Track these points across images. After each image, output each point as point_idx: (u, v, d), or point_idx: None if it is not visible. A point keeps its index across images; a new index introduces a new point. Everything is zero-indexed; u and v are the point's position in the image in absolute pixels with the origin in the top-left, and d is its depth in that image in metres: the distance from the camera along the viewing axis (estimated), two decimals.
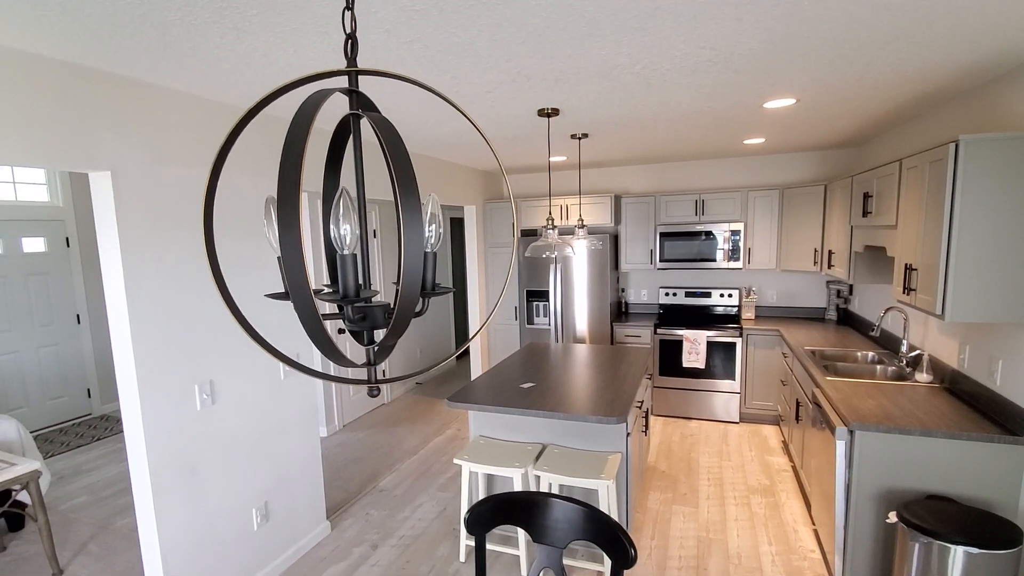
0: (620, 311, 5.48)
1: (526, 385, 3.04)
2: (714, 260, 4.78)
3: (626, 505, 2.85)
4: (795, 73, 2.26)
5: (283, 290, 0.70)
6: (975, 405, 2.47)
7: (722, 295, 5.07)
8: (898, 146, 3.56)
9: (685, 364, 4.69)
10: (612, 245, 5.08)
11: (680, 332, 4.71)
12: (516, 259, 5.29)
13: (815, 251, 4.38)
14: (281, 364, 2.79)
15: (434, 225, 0.75)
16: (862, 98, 2.74)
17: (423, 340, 6.23)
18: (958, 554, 1.95)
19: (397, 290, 0.67)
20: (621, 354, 3.71)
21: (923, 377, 2.87)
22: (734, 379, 4.62)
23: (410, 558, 2.90)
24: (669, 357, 4.78)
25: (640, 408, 3.14)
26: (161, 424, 2.19)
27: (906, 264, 2.54)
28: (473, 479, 3.12)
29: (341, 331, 4.67)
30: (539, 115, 2.79)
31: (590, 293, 4.92)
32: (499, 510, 1.53)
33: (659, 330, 4.79)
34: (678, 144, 4.07)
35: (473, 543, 2.83)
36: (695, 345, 4.64)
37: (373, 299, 0.77)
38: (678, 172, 5.19)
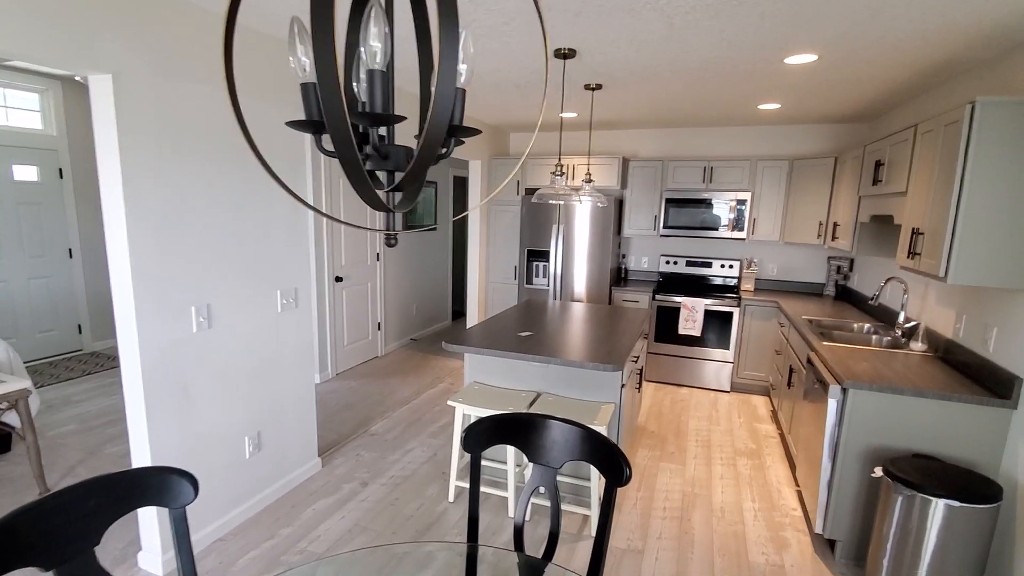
0: (620, 276, 5.47)
1: (524, 334, 3.04)
2: (717, 229, 4.76)
3: None
4: (821, 22, 2.20)
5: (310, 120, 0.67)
6: (966, 372, 2.49)
7: (723, 266, 5.06)
8: (911, 120, 3.52)
9: (681, 331, 4.71)
10: (616, 209, 5.04)
11: (678, 299, 4.71)
12: (520, 215, 5.24)
13: (820, 224, 4.37)
14: (279, 296, 2.77)
15: (467, 64, 0.71)
16: (883, 60, 2.68)
17: (419, 297, 6.21)
18: (939, 507, 1.99)
19: (423, 129, 0.65)
20: (620, 312, 3.71)
21: (918, 346, 2.89)
22: (728, 349, 4.65)
23: (399, 496, 2.93)
24: (665, 324, 4.80)
25: (635, 364, 3.16)
26: (156, 341, 2.17)
27: (913, 228, 2.53)
28: (466, 421, 3.14)
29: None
30: (555, 56, 2.72)
31: (591, 256, 4.90)
32: (496, 429, 1.54)
33: (657, 296, 4.79)
34: (692, 104, 4.00)
35: (464, 483, 2.87)
36: (693, 313, 4.66)
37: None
38: (688, 138, 5.12)
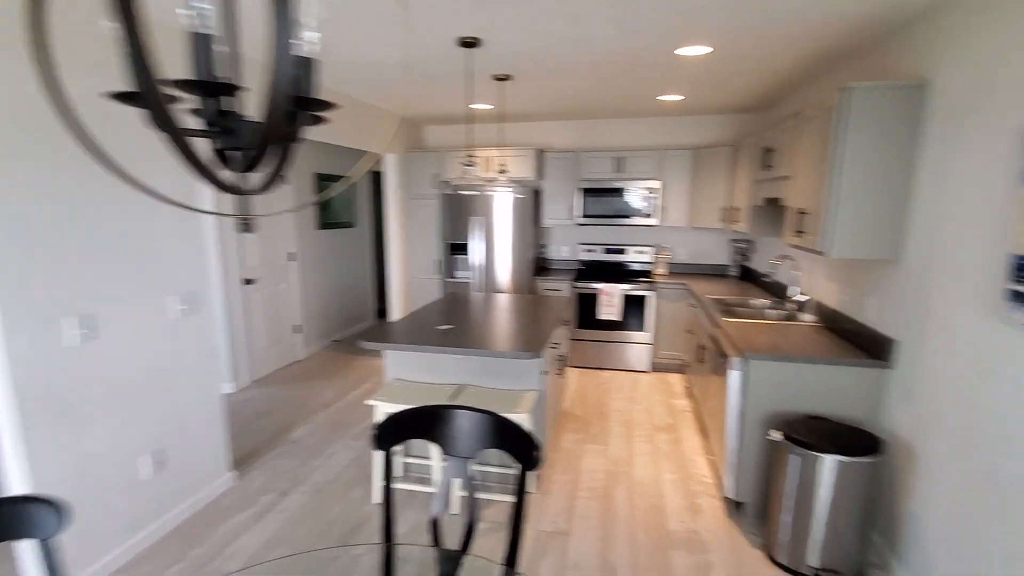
0: (541, 266, 5.55)
1: (443, 327, 3.01)
2: (631, 217, 4.94)
3: (543, 442, 2.93)
4: (711, 14, 2.32)
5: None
6: (850, 339, 2.74)
7: (638, 252, 5.27)
8: (798, 108, 3.81)
9: (601, 316, 4.86)
10: (534, 200, 5.10)
11: (597, 286, 4.85)
12: (439, 211, 5.18)
13: (722, 209, 4.64)
14: (173, 302, 2.57)
15: (316, 33, 0.67)
16: (772, 51, 2.88)
17: (341, 297, 6.00)
18: (829, 463, 2.18)
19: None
20: (540, 301, 3.76)
21: (808, 317, 3.15)
22: (646, 331, 4.85)
23: (322, 502, 2.82)
24: (586, 311, 4.93)
25: (556, 350, 3.22)
26: (29, 356, 1.94)
27: (798, 209, 2.75)
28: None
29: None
30: (460, 45, 2.69)
31: (512, 247, 4.93)
32: (406, 424, 1.51)
33: (577, 283, 4.91)
34: (600, 96, 4.11)
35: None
36: (611, 298, 4.81)
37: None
38: (600, 129, 5.27)
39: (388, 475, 1.49)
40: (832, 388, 2.48)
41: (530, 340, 2.73)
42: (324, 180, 5.52)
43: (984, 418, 1.77)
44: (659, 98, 4.19)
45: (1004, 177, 1.73)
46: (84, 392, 2.16)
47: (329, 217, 5.66)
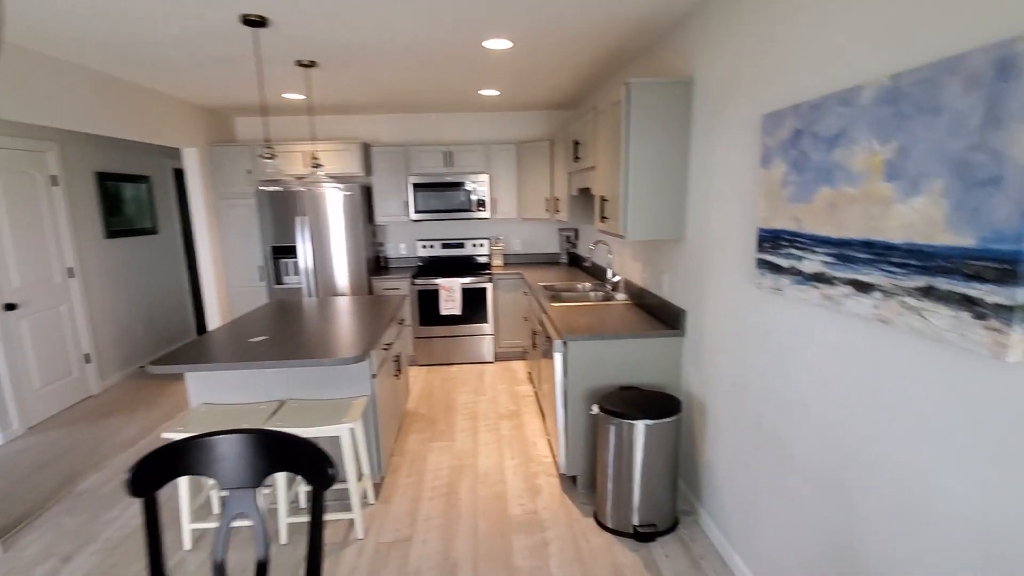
0: (379, 265, 5.35)
1: (257, 339, 2.72)
2: (465, 211, 4.97)
3: (376, 448, 2.81)
4: (506, 7, 2.37)
5: None
6: (654, 313, 3.04)
7: (475, 245, 5.33)
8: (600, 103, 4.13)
9: (443, 311, 4.83)
10: (365, 197, 4.88)
11: (436, 281, 4.81)
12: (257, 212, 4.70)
13: (546, 200, 4.88)
14: None
15: None
16: (569, 49, 3.05)
17: (147, 316, 5.18)
18: (639, 427, 2.38)
19: None
20: (372, 302, 3.61)
21: (621, 297, 3.44)
22: (487, 322, 4.93)
23: (116, 562, 2.39)
24: (429, 307, 4.86)
25: (388, 351, 3.10)
26: None
27: (601, 197, 2.96)
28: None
29: (9, 307, 3.56)
30: (243, 23, 2.42)
31: (345, 247, 4.67)
32: (168, 461, 1.30)
33: (416, 280, 4.82)
34: (421, 89, 4.04)
35: (201, 524, 2.47)
36: (451, 292, 4.81)
37: None
38: (427, 123, 5.20)
39: (154, 528, 1.27)
40: (640, 359, 2.73)
41: (354, 344, 2.59)
42: (109, 180, 4.69)
43: (748, 373, 2.06)
44: (479, 92, 4.24)
45: (750, 161, 2.01)
46: None
47: (119, 223, 4.84)
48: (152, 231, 5.31)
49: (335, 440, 2.75)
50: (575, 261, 5.32)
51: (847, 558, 1.53)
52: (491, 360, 5.05)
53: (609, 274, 3.71)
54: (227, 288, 4.81)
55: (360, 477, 2.79)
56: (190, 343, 2.67)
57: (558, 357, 2.75)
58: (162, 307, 5.45)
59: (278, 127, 5.12)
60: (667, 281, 2.86)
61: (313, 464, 1.28)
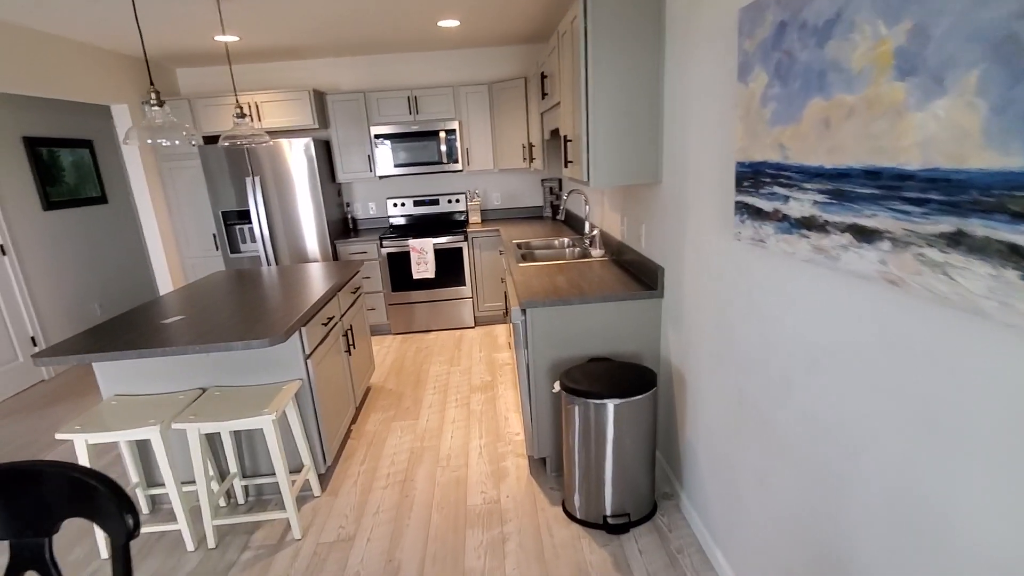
0: (347, 228, 4.95)
1: (169, 320, 2.37)
2: (436, 163, 4.52)
3: (319, 436, 2.50)
4: None
5: None
6: (632, 270, 2.64)
7: (450, 201, 4.89)
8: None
9: (415, 275, 4.46)
10: (324, 152, 4.44)
11: (406, 242, 4.42)
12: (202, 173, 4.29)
13: (523, 147, 4.40)
14: None
15: None
16: None
17: (103, 292, 4.87)
18: (608, 407, 2.03)
19: None
20: (325, 271, 3.23)
21: (598, 253, 3.03)
22: (465, 284, 4.56)
23: None
24: (400, 271, 4.49)
25: (331, 325, 2.75)
26: None
27: (564, 137, 2.51)
28: (95, 454, 2.41)
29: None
30: None
31: (303, 210, 4.27)
32: None
33: (385, 243, 4.43)
34: (364, 19, 3.52)
35: None
36: (423, 255, 4.42)
37: None
38: (388, 66, 4.67)
39: None
40: (613, 325, 2.35)
41: (274, 323, 2.23)
42: (42, 145, 4.28)
43: (729, 339, 1.67)
44: (439, 24, 3.71)
45: (726, 75, 1.56)
46: None
47: (59, 193, 4.46)
48: (101, 200, 4.92)
49: (258, 434, 2.44)
50: (560, 215, 4.87)
51: (836, 567, 1.19)
52: (471, 325, 4.70)
53: (586, 228, 3.29)
54: (180, 260, 4.46)
55: (301, 469, 2.49)
56: (92, 328, 2.33)
57: (518, 327, 2.38)
58: (123, 282, 5.14)
59: (219, 79, 4.63)
60: (645, 233, 2.45)
61: (106, 510, 0.93)
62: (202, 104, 4.19)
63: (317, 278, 3.01)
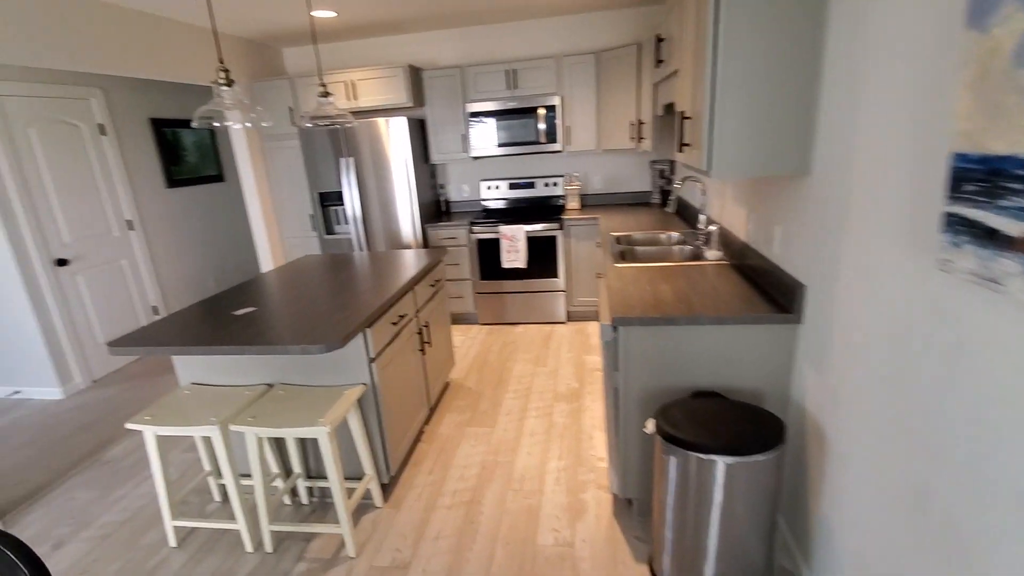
0: (439, 211, 4.78)
1: (242, 311, 2.28)
2: (533, 143, 4.15)
3: (382, 444, 2.31)
4: None
5: None
6: (757, 282, 2.11)
7: (547, 184, 4.51)
8: None
9: (505, 264, 4.17)
10: (418, 132, 4.25)
11: (497, 229, 4.13)
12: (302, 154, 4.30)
13: (630, 124, 3.88)
14: None
15: None
16: None
17: (218, 266, 5.16)
18: (718, 465, 1.59)
19: None
20: (405, 260, 3.04)
21: (714, 255, 2.51)
22: (558, 276, 4.20)
23: (101, 555, 2.19)
24: (490, 259, 4.23)
25: (401, 324, 2.53)
26: None
27: (681, 114, 2.02)
28: (164, 446, 2.40)
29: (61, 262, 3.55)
30: None
31: (398, 191, 4.13)
32: None
33: (475, 228, 4.18)
34: None
35: (186, 521, 2.17)
36: (514, 242, 4.11)
37: None
38: (487, 37, 4.35)
39: None
40: (727, 352, 1.87)
41: (335, 325, 2.03)
42: (166, 126, 4.54)
43: (910, 408, 1.16)
44: None
45: (941, 17, 1.03)
46: None
47: (182, 172, 4.73)
48: (218, 178, 5.19)
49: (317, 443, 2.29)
50: (670, 204, 4.30)
51: None
52: (563, 320, 4.34)
53: (701, 222, 2.76)
54: (280, 239, 4.56)
55: (362, 477, 2.32)
56: (173, 315, 2.31)
57: (608, 346, 1.98)
58: (236, 257, 5.42)
59: (322, 56, 4.59)
60: (780, 237, 1.92)
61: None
62: (303, 83, 4.17)
63: (396, 269, 2.82)
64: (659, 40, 2.63)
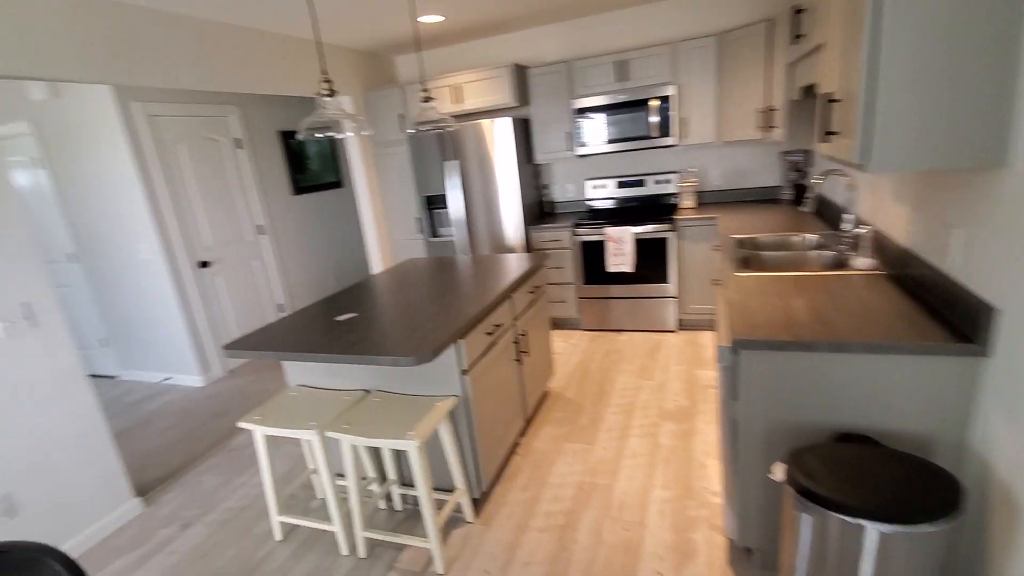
0: (543, 212, 4.65)
1: (344, 317, 2.32)
2: (643, 138, 3.87)
3: (474, 460, 2.22)
4: None
5: None
6: (924, 299, 1.71)
7: (658, 181, 4.19)
8: None
9: (610, 268, 3.93)
10: (522, 132, 4.16)
11: (603, 231, 3.90)
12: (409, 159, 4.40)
13: (757, 112, 3.45)
14: None
15: None
16: None
17: (337, 266, 5.49)
18: (866, 533, 1.28)
19: None
20: (502, 266, 2.95)
21: (863, 262, 2.09)
22: (668, 281, 3.87)
23: (219, 540, 2.34)
24: (595, 262, 4.02)
25: (496, 333, 2.43)
26: None
27: (827, 96, 1.68)
28: (272, 444, 2.49)
29: (203, 264, 3.95)
30: None
31: (502, 193, 4.07)
32: None
33: (579, 230, 3.99)
34: None
35: (290, 518, 2.25)
36: (620, 245, 3.86)
37: None
38: (596, 30, 4.12)
39: None
40: (881, 387, 1.52)
41: (427, 334, 1.97)
42: (292, 137, 4.89)
43: None
44: None
45: None
46: None
47: (306, 180, 5.08)
48: (337, 184, 5.51)
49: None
50: (806, 202, 3.79)
51: None
52: (672, 329, 4.01)
53: (847, 222, 2.33)
54: (390, 242, 4.71)
55: (453, 490, 2.26)
56: (279, 321, 2.41)
57: (724, 371, 1.71)
58: (353, 258, 5.74)
59: (433, 63, 4.66)
60: (960, 244, 1.52)
61: None
62: (412, 90, 4.26)
63: (494, 276, 2.73)
64: (797, 12, 2.25)
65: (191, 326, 3.94)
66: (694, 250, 3.77)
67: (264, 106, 4.58)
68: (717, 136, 3.74)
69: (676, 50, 3.66)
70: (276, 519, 2.26)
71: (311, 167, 5.15)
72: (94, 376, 4.53)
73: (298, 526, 2.35)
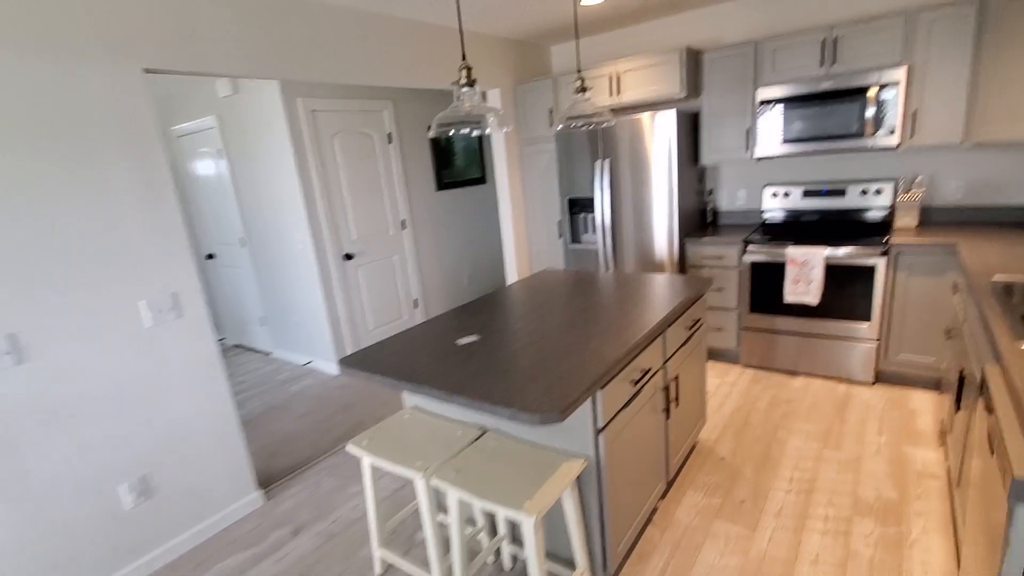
0: (705, 222, 3.99)
1: (465, 340, 2.03)
2: (850, 137, 3.05)
3: (601, 535, 1.79)
4: None
5: None
6: None
7: (864, 192, 3.32)
8: None
9: (789, 298, 3.19)
10: (688, 128, 3.56)
11: (784, 251, 3.18)
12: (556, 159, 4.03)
13: None
14: (144, 308, 2.15)
15: None
16: None
17: (472, 265, 5.37)
18: None
19: None
20: (655, 291, 2.45)
21: None
22: (868, 319, 3.03)
23: (323, 556, 2.22)
24: (766, 288, 3.31)
25: (643, 381, 1.96)
26: None
27: None
28: (378, 475, 2.27)
29: (348, 256, 4.02)
30: None
31: (656, 198, 3.54)
32: None
33: (750, 247, 3.30)
34: None
35: (390, 553, 2.04)
36: (805, 269, 3.10)
37: None
38: (793, 2, 3.36)
39: None
40: None
41: (555, 383, 1.58)
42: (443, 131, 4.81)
43: None
44: None
45: None
46: (17, 425, 1.86)
47: (451, 175, 4.99)
48: (480, 180, 5.36)
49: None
50: None
51: None
52: (869, 381, 3.15)
53: None
54: (529, 244, 4.41)
55: (573, 568, 1.85)
56: (398, 335, 2.20)
57: (1021, 513, 1.07)
58: (489, 258, 5.58)
59: (591, 51, 4.23)
60: None
61: None
62: (565, 81, 3.88)
63: (645, 303, 2.25)
64: None
65: (332, 316, 4.04)
66: (913, 284, 2.88)
67: (415, 100, 4.55)
68: (965, 135, 2.80)
69: (914, 21, 2.79)
70: (377, 552, 2.07)
71: (457, 163, 5.05)
72: (252, 350, 4.93)
73: (391, 567, 2.14)
